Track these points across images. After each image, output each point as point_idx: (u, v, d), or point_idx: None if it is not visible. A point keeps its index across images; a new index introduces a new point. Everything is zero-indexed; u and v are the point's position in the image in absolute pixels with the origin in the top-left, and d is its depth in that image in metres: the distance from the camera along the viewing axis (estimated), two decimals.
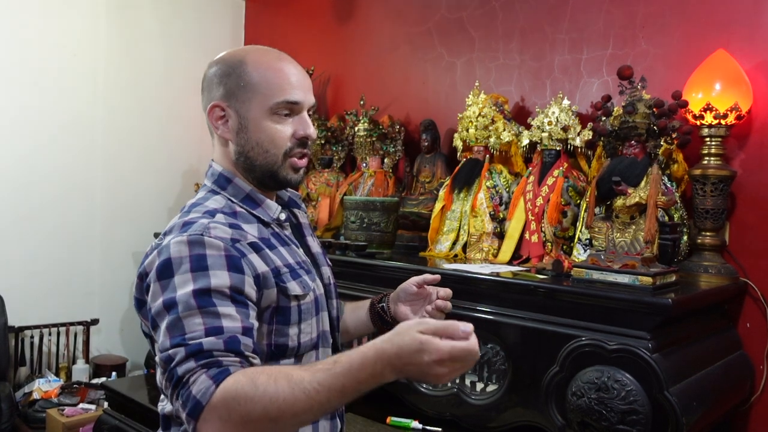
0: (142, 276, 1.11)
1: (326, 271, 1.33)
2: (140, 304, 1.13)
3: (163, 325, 1.02)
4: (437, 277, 1.37)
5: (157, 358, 1.03)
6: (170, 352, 0.99)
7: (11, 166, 3.38)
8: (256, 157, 1.20)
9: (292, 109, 1.20)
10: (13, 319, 3.35)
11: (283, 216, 1.26)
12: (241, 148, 1.20)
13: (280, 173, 1.22)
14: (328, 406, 0.95)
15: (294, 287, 1.15)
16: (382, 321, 1.42)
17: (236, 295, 1.05)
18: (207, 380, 0.95)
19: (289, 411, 0.93)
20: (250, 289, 1.08)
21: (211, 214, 1.14)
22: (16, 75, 3.39)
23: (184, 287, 1.03)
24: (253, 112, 1.18)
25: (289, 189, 1.35)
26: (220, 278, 1.05)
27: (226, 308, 1.03)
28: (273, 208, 1.24)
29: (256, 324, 1.07)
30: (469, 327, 0.94)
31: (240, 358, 1.00)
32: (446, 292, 1.37)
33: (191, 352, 0.98)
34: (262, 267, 1.12)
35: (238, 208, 1.20)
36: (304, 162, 1.24)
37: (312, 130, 1.23)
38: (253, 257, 1.12)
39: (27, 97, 3.43)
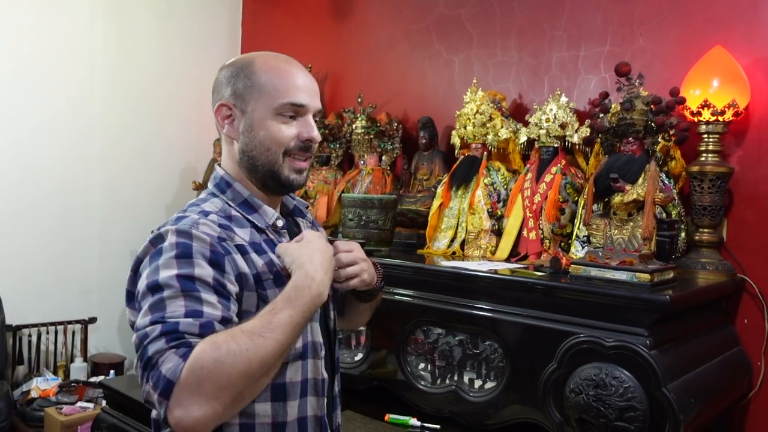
0: (136, 267, 1.13)
1: None
2: (131, 297, 1.14)
3: (145, 306, 1.03)
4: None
5: (134, 338, 1.03)
6: (147, 329, 1.00)
7: (8, 164, 3.37)
8: (258, 156, 1.22)
9: (297, 111, 1.22)
10: (11, 318, 3.35)
11: (280, 223, 1.26)
12: (245, 147, 1.22)
13: (282, 173, 1.23)
14: (286, 343, 1.04)
15: (275, 294, 1.14)
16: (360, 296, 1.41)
17: (219, 288, 1.07)
18: (176, 359, 0.95)
19: (255, 359, 0.98)
20: (232, 286, 1.10)
21: (205, 214, 1.17)
22: (13, 72, 3.38)
23: (168, 270, 1.05)
24: (258, 112, 1.20)
25: (295, 198, 1.37)
26: (204, 269, 1.07)
27: (209, 296, 1.05)
28: (269, 214, 1.25)
29: (236, 319, 1.08)
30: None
31: None
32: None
33: (166, 330, 0.99)
34: (244, 268, 1.14)
35: (234, 212, 1.21)
36: (305, 164, 1.25)
37: (316, 134, 1.24)
38: (237, 257, 1.13)
39: (24, 94, 3.42)
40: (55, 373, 3.48)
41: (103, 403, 2.74)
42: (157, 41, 3.91)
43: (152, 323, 1.00)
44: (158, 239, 1.10)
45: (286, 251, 1.16)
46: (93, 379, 3.43)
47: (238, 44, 4.20)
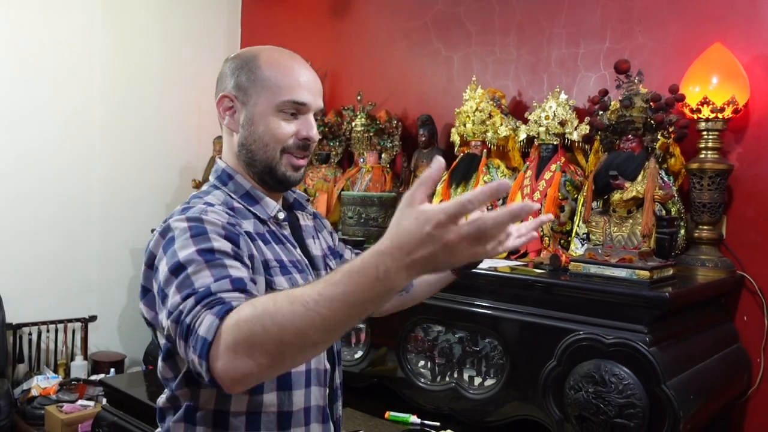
0: (150, 262, 1.12)
1: (324, 275, 1.31)
2: (145, 292, 1.15)
3: (172, 288, 1.01)
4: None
5: (166, 323, 0.99)
6: (180, 306, 0.97)
7: (8, 163, 3.37)
8: (257, 151, 1.22)
9: (298, 109, 1.22)
10: (11, 316, 3.35)
11: (281, 215, 1.26)
12: (244, 140, 1.23)
13: (279, 170, 1.23)
14: (334, 320, 0.84)
15: (281, 282, 1.16)
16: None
17: (239, 257, 1.06)
18: (212, 317, 0.91)
19: (291, 327, 0.84)
20: (246, 258, 1.10)
21: (210, 205, 1.17)
22: (13, 71, 3.38)
23: (186, 250, 1.04)
24: (260, 107, 1.20)
25: (296, 191, 1.37)
26: (222, 242, 1.06)
27: (233, 262, 1.04)
28: (271, 207, 1.25)
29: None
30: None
31: (246, 295, 0.97)
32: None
33: (200, 298, 0.96)
34: (253, 251, 1.14)
35: (237, 204, 1.22)
36: (303, 162, 1.25)
37: (314, 133, 1.24)
38: (248, 240, 1.14)
39: (23, 93, 3.42)
40: (55, 371, 3.48)
41: (104, 401, 2.75)
42: (156, 39, 3.91)
43: (184, 298, 0.98)
44: (167, 230, 1.10)
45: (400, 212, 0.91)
46: (93, 377, 3.44)
47: (237, 42, 4.20)
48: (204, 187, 1.27)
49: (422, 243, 0.76)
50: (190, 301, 0.96)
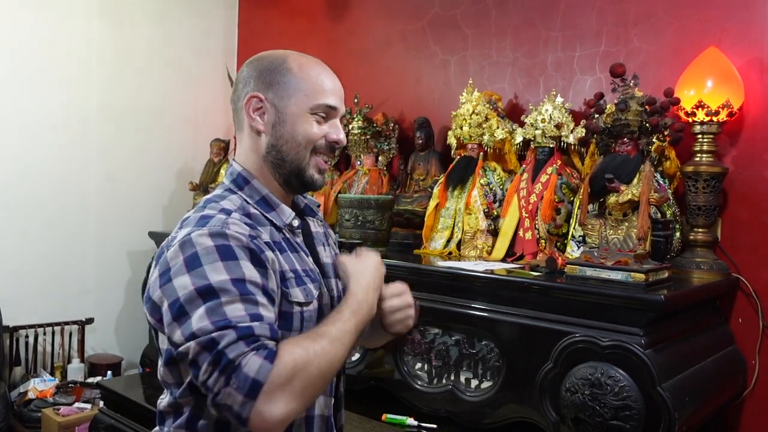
0: (165, 274, 1.09)
1: (334, 282, 1.31)
2: (152, 304, 1.12)
3: (199, 311, 1.02)
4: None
5: (182, 341, 1.01)
6: (214, 335, 0.99)
7: (4, 165, 3.37)
8: (288, 152, 1.22)
9: (328, 113, 1.24)
10: (8, 319, 3.34)
11: (296, 222, 1.26)
12: (275, 141, 1.23)
13: (307, 171, 1.24)
14: (351, 349, 1.12)
15: (297, 294, 1.16)
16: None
17: (266, 289, 1.09)
18: (260, 360, 0.97)
19: (333, 363, 1.05)
20: (273, 285, 1.12)
21: (227, 212, 1.16)
22: (9, 73, 3.37)
23: (218, 274, 1.04)
24: (292, 108, 1.21)
25: (306, 197, 1.38)
26: (251, 271, 1.08)
27: (262, 299, 1.06)
28: (287, 214, 1.25)
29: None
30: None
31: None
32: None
33: (243, 335, 0.99)
34: (275, 265, 1.14)
35: (252, 210, 1.21)
36: (327, 165, 1.28)
37: (343, 137, 1.26)
38: (270, 254, 1.14)
39: (20, 95, 3.41)
40: (52, 374, 3.48)
41: (101, 403, 2.74)
42: (153, 42, 3.90)
43: (220, 329, 0.99)
44: (189, 244, 1.08)
45: (345, 265, 1.23)
46: (90, 380, 3.42)
47: (234, 44, 4.20)
48: (218, 190, 1.26)
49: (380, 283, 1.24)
50: (230, 333, 0.99)
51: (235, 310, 1.01)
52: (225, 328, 0.99)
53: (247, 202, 1.22)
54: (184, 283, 1.05)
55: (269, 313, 1.05)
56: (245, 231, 1.12)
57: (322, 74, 1.26)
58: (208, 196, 1.24)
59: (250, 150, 1.26)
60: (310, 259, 1.26)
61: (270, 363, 0.97)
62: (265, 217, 1.22)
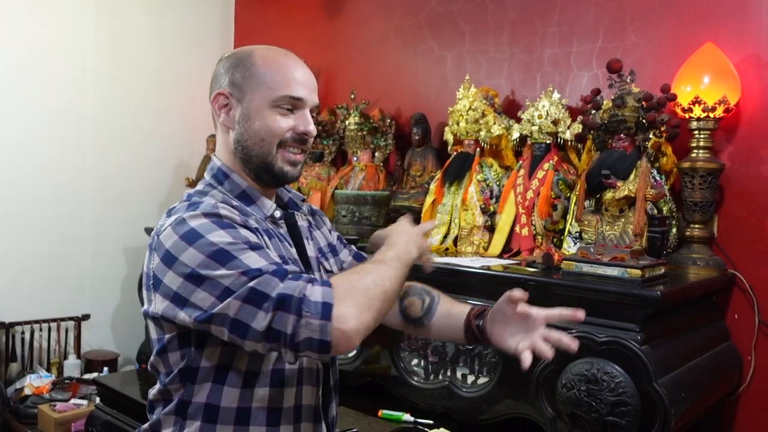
0: (167, 258, 1.09)
1: (318, 276, 1.30)
2: (159, 282, 1.11)
3: (221, 270, 1.03)
4: (524, 295, 1.29)
5: (217, 306, 1.03)
6: (252, 284, 1.01)
7: (0, 162, 3.36)
8: (253, 147, 1.22)
9: (294, 104, 1.23)
10: (4, 315, 3.34)
11: (278, 213, 1.27)
12: (239, 137, 1.23)
13: (275, 165, 1.23)
14: (399, 283, 1.13)
15: None
16: (476, 339, 1.36)
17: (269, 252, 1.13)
18: (319, 287, 1.02)
19: (387, 280, 1.09)
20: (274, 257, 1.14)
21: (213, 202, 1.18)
22: (5, 71, 3.35)
23: (222, 238, 1.07)
24: (255, 103, 1.21)
25: (291, 191, 1.37)
26: (251, 236, 1.11)
27: (271, 252, 1.12)
28: (267, 206, 1.26)
29: None
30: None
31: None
32: (555, 314, 1.29)
33: (282, 274, 1.03)
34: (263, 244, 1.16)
35: (235, 203, 1.22)
36: (300, 157, 1.26)
37: (312, 128, 1.26)
38: (261, 237, 1.16)
39: (16, 93, 3.39)
40: (48, 370, 3.47)
41: (97, 400, 2.74)
42: (149, 38, 3.89)
43: (253, 278, 1.02)
44: (182, 224, 1.09)
45: (385, 231, 1.28)
46: (86, 376, 3.42)
47: (230, 40, 4.19)
48: (200, 186, 1.26)
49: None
50: (269, 278, 1.02)
51: (253, 258, 1.05)
52: (258, 276, 1.02)
53: (229, 197, 1.23)
54: (192, 255, 1.06)
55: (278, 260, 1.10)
56: (235, 215, 1.14)
57: (287, 65, 1.24)
58: (189, 191, 1.25)
59: (223, 146, 1.27)
60: (294, 250, 1.27)
61: (328, 287, 1.02)
62: (246, 209, 1.22)
